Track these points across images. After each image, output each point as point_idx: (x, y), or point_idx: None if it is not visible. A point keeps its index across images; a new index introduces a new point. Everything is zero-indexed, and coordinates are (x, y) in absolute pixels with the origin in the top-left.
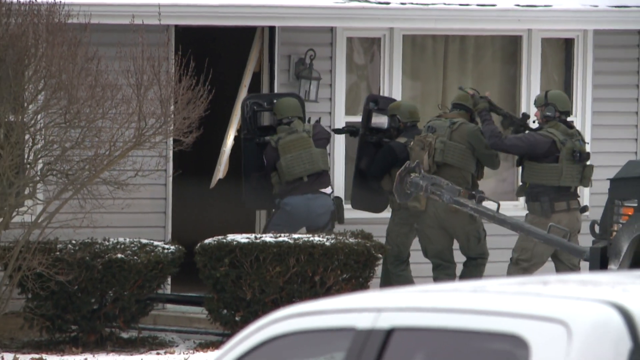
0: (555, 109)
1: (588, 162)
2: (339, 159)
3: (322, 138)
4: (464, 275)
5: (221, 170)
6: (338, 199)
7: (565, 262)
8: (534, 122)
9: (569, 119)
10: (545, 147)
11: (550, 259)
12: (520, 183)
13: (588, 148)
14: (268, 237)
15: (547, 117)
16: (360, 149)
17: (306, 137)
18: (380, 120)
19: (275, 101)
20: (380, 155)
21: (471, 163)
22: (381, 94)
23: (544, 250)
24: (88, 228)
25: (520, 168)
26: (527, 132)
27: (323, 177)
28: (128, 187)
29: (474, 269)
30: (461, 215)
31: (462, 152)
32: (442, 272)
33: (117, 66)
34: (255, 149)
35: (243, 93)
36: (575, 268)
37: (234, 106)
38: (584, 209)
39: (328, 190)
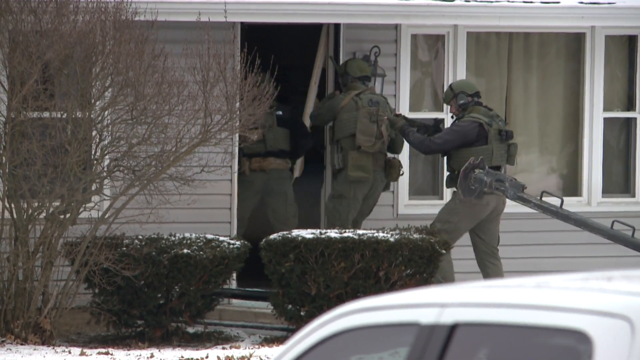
0: (466, 94)
1: (512, 141)
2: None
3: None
4: None
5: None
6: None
7: (485, 241)
8: (451, 117)
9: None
10: (475, 131)
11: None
12: (447, 172)
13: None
14: (333, 233)
15: (462, 105)
16: None
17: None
18: None
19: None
20: None
21: None
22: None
23: (466, 227)
24: (154, 223)
25: (445, 158)
26: (451, 124)
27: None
28: (194, 183)
29: None
30: (382, 185)
31: None
32: None
33: (183, 63)
34: None
35: (313, 91)
36: (493, 250)
37: (306, 105)
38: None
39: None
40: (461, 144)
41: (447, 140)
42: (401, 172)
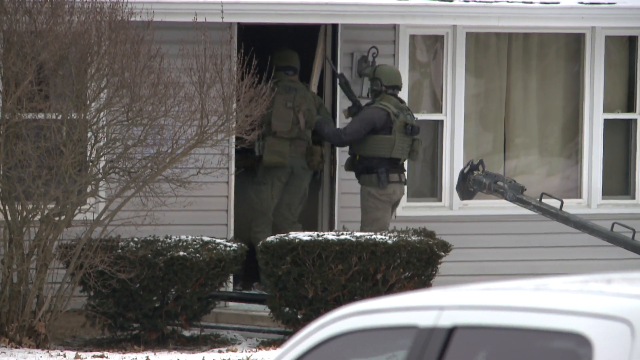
0: (381, 83)
1: (417, 137)
2: None
3: None
4: None
5: None
6: None
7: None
8: (367, 96)
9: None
10: (383, 119)
11: None
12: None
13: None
14: (330, 235)
15: (373, 91)
16: None
17: None
18: None
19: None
20: None
21: None
22: (444, 91)
23: (388, 216)
24: (150, 226)
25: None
26: (360, 112)
27: None
28: (190, 185)
29: None
30: (309, 175)
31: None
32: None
33: (179, 64)
34: None
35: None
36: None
37: None
38: (405, 182)
39: None
40: (371, 130)
41: (357, 129)
42: (323, 159)
